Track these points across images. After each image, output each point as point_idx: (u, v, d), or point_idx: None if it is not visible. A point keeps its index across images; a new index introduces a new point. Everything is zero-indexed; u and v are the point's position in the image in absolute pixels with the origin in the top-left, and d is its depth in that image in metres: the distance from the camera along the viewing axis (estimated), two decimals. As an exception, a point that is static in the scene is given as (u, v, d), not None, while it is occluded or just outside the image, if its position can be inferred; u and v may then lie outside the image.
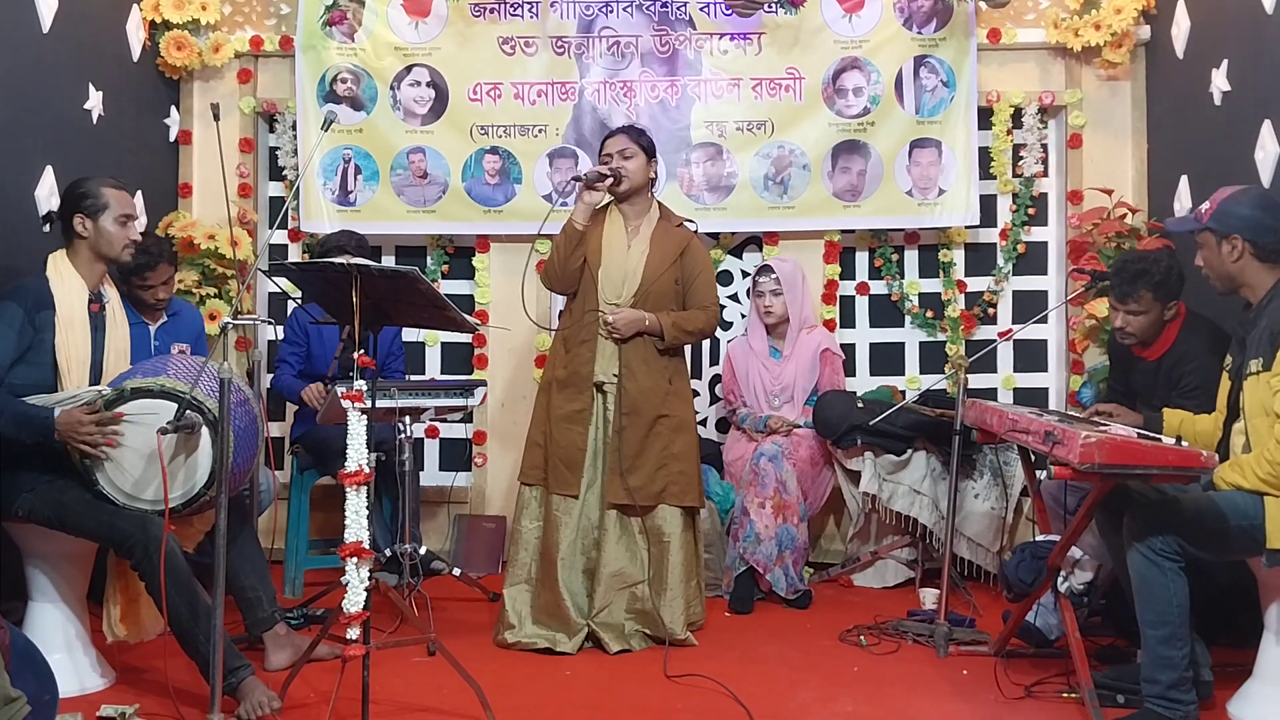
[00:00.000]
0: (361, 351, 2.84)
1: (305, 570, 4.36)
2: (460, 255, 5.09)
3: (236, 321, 2.94)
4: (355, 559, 2.70)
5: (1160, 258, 3.67)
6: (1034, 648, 3.59)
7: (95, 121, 4.26)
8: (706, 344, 5.10)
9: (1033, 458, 3.67)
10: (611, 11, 4.89)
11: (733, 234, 5.05)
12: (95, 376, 3.20)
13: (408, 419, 3.94)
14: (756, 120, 4.90)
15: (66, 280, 3.19)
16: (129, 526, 2.97)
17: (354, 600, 2.71)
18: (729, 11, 4.75)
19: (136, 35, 4.69)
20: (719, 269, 5.02)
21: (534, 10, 4.89)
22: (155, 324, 3.91)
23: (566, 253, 3.80)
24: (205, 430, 2.99)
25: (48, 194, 3.83)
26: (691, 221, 3.99)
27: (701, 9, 4.86)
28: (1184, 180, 4.39)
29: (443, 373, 5.13)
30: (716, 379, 5.04)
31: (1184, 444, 2.86)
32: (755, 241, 5.07)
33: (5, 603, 3.28)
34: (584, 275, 3.82)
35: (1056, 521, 3.65)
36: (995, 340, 4.70)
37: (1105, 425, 3.11)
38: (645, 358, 3.79)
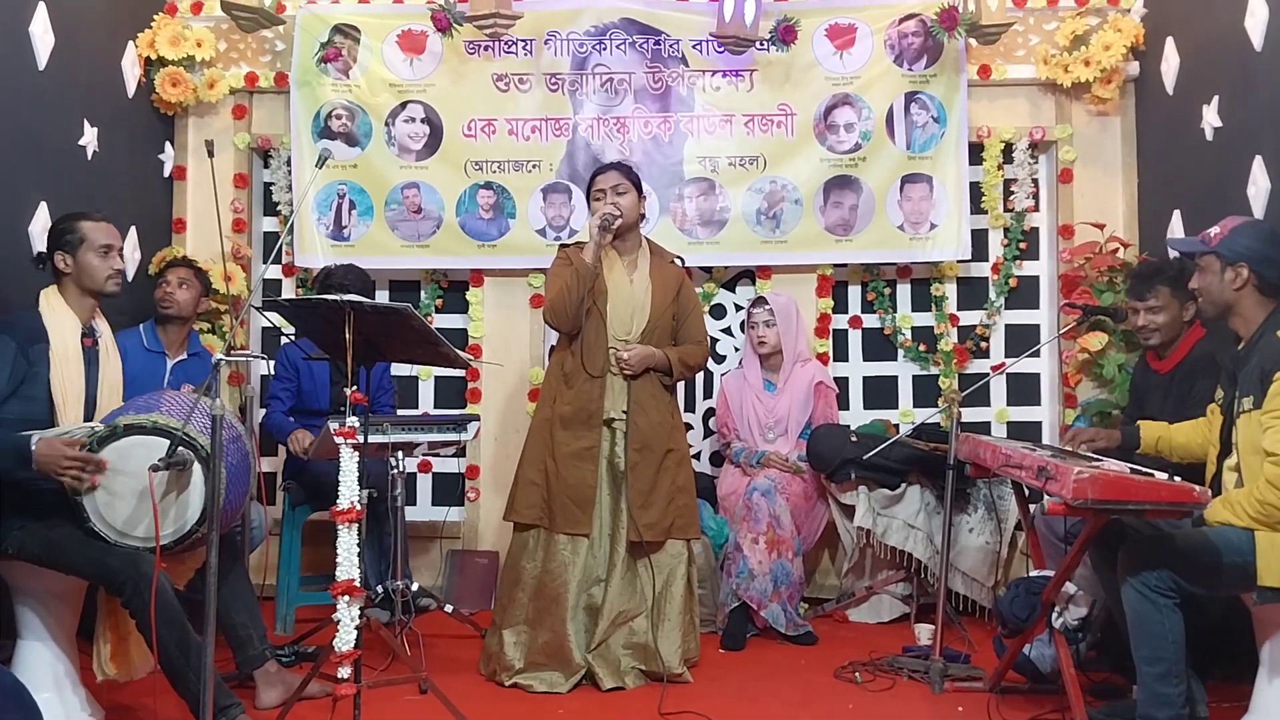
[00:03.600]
0: (354, 388, 2.84)
1: (296, 606, 4.33)
2: (454, 289, 5.10)
3: (230, 358, 2.93)
4: (347, 597, 2.69)
5: (1173, 260, 3.71)
6: (1029, 683, 3.57)
7: (90, 157, 4.27)
8: (700, 377, 5.10)
9: (1026, 492, 3.67)
10: (605, 49, 4.92)
11: (725, 268, 5.07)
12: (89, 411, 3.19)
13: (400, 454, 3.93)
14: (749, 155, 4.93)
15: (59, 315, 3.19)
16: (120, 564, 2.94)
17: (345, 639, 2.69)
18: (721, 49, 4.78)
19: (132, 71, 4.71)
20: (712, 302, 5.04)
21: (528, 48, 4.92)
22: (174, 359, 3.91)
23: (580, 294, 3.75)
24: (197, 467, 2.98)
25: (41, 230, 3.83)
26: (680, 258, 4.00)
27: (694, 46, 4.90)
28: (1176, 214, 4.42)
29: (436, 407, 5.13)
30: (710, 412, 5.04)
31: (1177, 479, 2.86)
32: (748, 275, 5.09)
33: (-7, 641, 3.26)
34: (591, 312, 3.79)
35: (1051, 556, 3.65)
36: (988, 374, 4.71)
37: (1098, 461, 3.11)
38: (653, 393, 3.80)
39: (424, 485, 5.14)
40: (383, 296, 5.08)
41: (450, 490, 5.09)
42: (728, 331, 5.11)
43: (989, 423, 5.01)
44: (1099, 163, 4.92)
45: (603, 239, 3.76)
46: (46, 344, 3.12)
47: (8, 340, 3.07)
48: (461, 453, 4.87)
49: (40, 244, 3.77)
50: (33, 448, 2.89)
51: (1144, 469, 2.93)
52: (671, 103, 4.94)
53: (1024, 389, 5.06)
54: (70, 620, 3.28)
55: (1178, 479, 2.85)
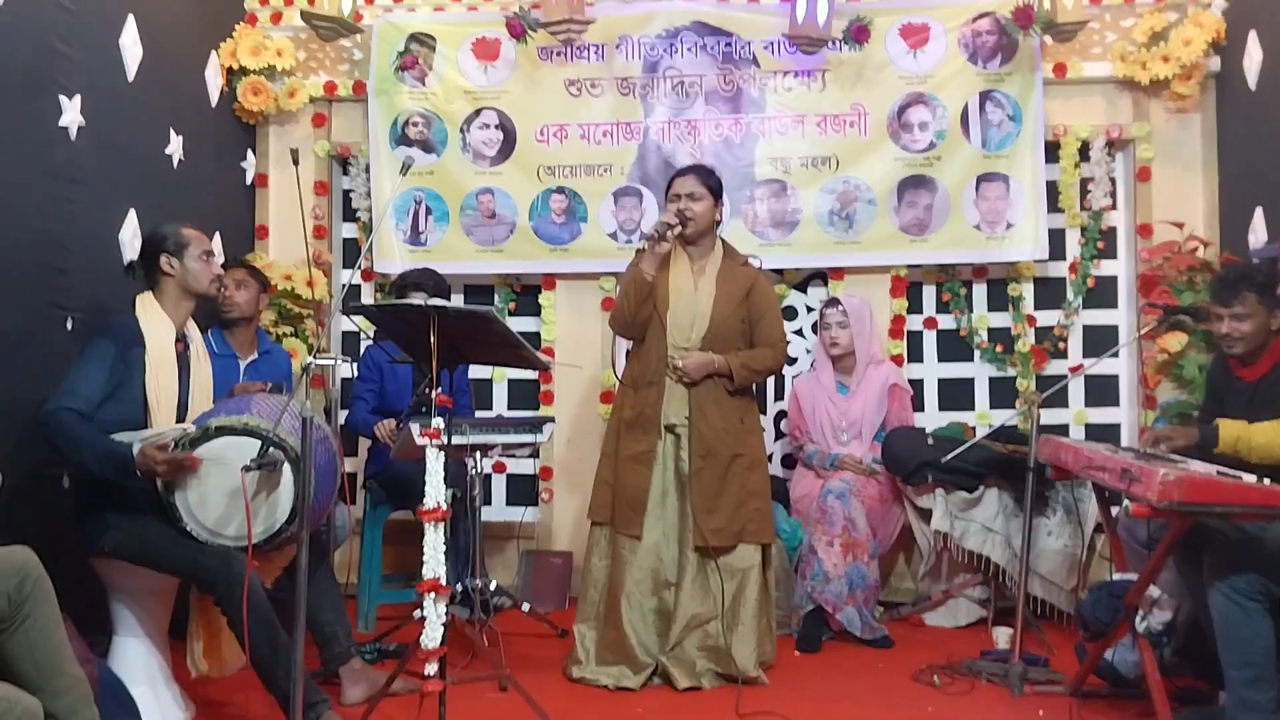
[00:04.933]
0: (440, 390, 2.89)
1: (378, 604, 4.41)
2: (527, 293, 5.16)
3: (317, 361, 2.99)
4: (433, 594, 2.74)
5: (1263, 265, 3.59)
6: (1111, 688, 3.52)
7: (175, 166, 4.38)
8: (771, 380, 5.10)
9: (1107, 494, 3.62)
10: (676, 52, 4.95)
11: (797, 269, 5.06)
12: (181, 414, 3.28)
13: (478, 454, 3.99)
14: (821, 156, 4.92)
15: (155, 319, 3.29)
16: (212, 563, 3.02)
17: (432, 636, 2.74)
18: (793, 49, 4.78)
19: (215, 81, 4.83)
20: (784, 304, 5.03)
21: (600, 52, 4.96)
22: (246, 360, 4.00)
23: (637, 302, 3.78)
24: (287, 467, 3.05)
25: (131, 237, 3.95)
26: (756, 258, 4.00)
27: (765, 47, 4.90)
28: (1259, 212, 4.34)
29: (509, 408, 5.19)
30: (782, 415, 5.04)
31: (1266, 481, 2.81)
32: (820, 276, 5.08)
33: (90, 636, 3.36)
34: (652, 319, 3.82)
35: (1134, 559, 3.60)
36: (1067, 375, 4.66)
37: (1184, 462, 3.07)
38: (717, 399, 3.78)
39: (499, 485, 5.20)
40: (458, 300, 5.16)
41: (525, 491, 5.14)
42: (799, 333, 5.11)
43: (1067, 425, 4.95)
44: (1178, 160, 4.84)
45: (654, 247, 3.76)
46: (143, 348, 3.22)
47: (108, 344, 3.17)
48: (536, 454, 4.92)
49: (130, 252, 3.90)
50: (134, 454, 3.00)
51: (1230, 471, 2.88)
52: (743, 104, 4.95)
53: (1103, 390, 4.99)
54: (163, 617, 3.39)
55: (1267, 481, 2.80)
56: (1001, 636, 4.09)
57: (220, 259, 4.53)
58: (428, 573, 2.74)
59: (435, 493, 2.76)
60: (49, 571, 2.51)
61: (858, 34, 4.76)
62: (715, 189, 3.88)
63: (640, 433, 3.80)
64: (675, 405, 3.78)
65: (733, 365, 3.78)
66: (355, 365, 4.47)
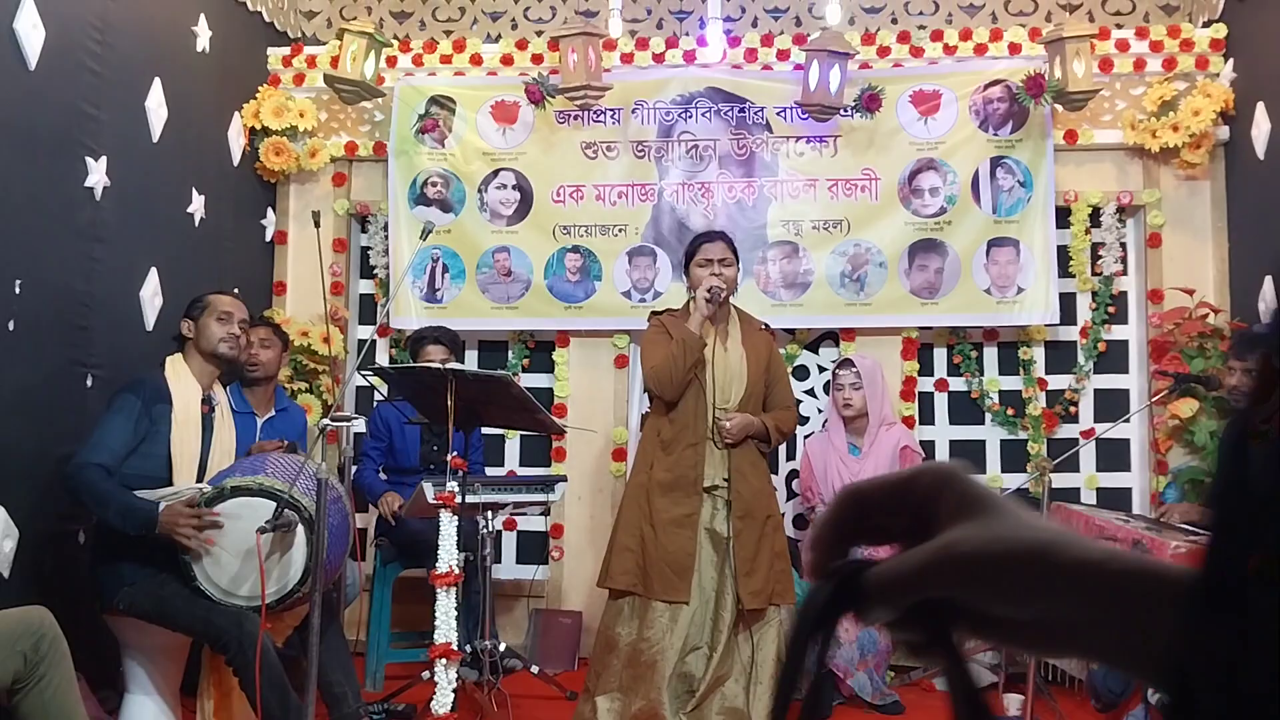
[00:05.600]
0: (454, 453, 2.91)
1: (386, 663, 4.40)
2: (540, 349, 5.20)
3: (334, 424, 3.02)
4: (444, 660, 2.75)
5: None
6: (1124, 759, 3.50)
7: (197, 224, 4.46)
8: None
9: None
10: (690, 117, 5.02)
11: (809, 330, 5.10)
12: (201, 474, 3.32)
13: (489, 513, 4.00)
14: (832, 219, 4.97)
15: (182, 380, 3.35)
16: (225, 622, 3.04)
17: (442, 701, 2.76)
18: (805, 116, 4.85)
19: (237, 141, 4.92)
20: (795, 364, 5.06)
21: (616, 117, 5.04)
22: (263, 418, 4.04)
23: (686, 365, 3.75)
24: (300, 528, 3.07)
25: (151, 295, 4.01)
26: (766, 324, 4.04)
27: (778, 113, 4.97)
28: (1268, 281, 4.36)
29: (521, 464, 5.20)
30: (793, 475, 5.05)
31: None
32: (832, 337, 5.11)
33: (102, 693, 3.37)
34: (692, 381, 3.82)
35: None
36: (1078, 440, 4.66)
37: (1196, 534, 3.07)
38: (753, 461, 3.81)
39: (509, 543, 5.20)
40: (472, 357, 5.20)
41: (535, 549, 5.15)
42: (811, 393, 5.13)
43: (1079, 489, 4.94)
44: (1188, 228, 4.88)
45: (710, 311, 3.78)
46: (169, 405, 3.27)
47: (134, 399, 3.22)
48: (547, 511, 4.93)
49: (151, 310, 3.96)
50: (159, 514, 3.03)
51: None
52: (755, 168, 5.01)
53: (1114, 455, 4.99)
54: (175, 675, 3.40)
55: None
56: (1013, 703, 4.06)
57: (244, 320, 4.61)
58: (439, 637, 2.76)
59: (449, 557, 2.78)
60: (63, 627, 2.54)
61: (869, 102, 4.83)
62: (738, 255, 3.95)
63: (681, 495, 3.76)
64: (715, 466, 3.78)
65: (769, 425, 3.81)
66: (365, 422, 4.50)
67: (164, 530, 3.05)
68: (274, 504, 3.01)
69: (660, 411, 3.89)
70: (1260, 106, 4.50)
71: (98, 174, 3.69)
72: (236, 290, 3.55)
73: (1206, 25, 4.88)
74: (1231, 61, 4.77)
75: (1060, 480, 4.81)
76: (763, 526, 3.76)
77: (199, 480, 3.28)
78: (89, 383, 3.62)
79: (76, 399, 3.56)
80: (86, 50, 3.68)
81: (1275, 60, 4.39)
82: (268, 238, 5.17)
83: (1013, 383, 5.00)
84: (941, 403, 5.07)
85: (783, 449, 5.13)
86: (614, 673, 3.73)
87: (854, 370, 4.63)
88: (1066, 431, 4.93)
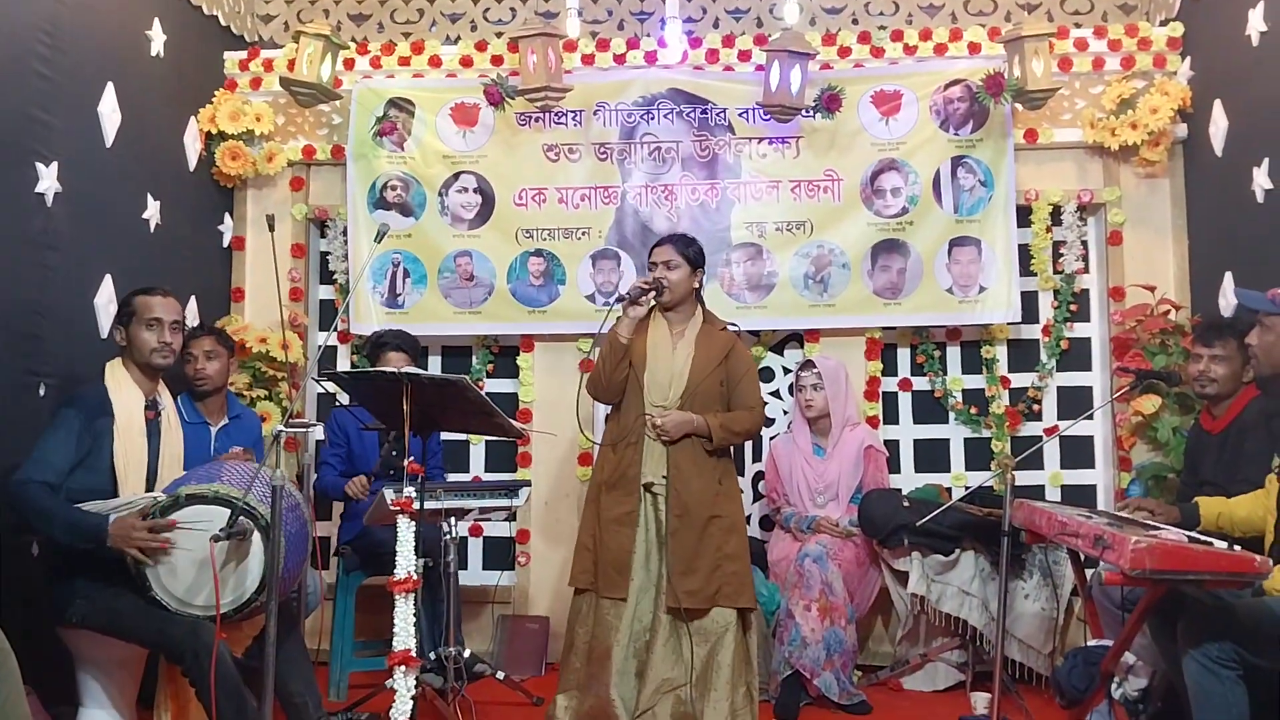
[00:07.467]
0: (411, 458, 2.88)
1: (350, 672, 4.35)
2: (505, 354, 5.17)
3: (290, 430, 2.98)
4: (403, 667, 2.71)
5: (1246, 317, 3.67)
6: (1089, 755, 3.50)
7: (152, 230, 4.39)
8: (749, 442, 5.10)
9: (1083, 558, 3.63)
10: (652, 118, 5.00)
11: (773, 331, 5.09)
12: (150, 482, 3.26)
13: (453, 519, 3.96)
14: (795, 221, 4.97)
15: (123, 388, 3.28)
16: (180, 633, 2.98)
17: (401, 709, 2.72)
18: (767, 117, 4.84)
19: (193, 146, 4.86)
20: (760, 366, 5.05)
21: (577, 119, 5.02)
22: (216, 426, 3.97)
23: (613, 365, 3.84)
24: (256, 536, 3.02)
25: (106, 302, 3.95)
26: (734, 325, 4.03)
27: (740, 114, 4.96)
28: (1228, 277, 4.39)
29: (486, 470, 5.17)
30: (759, 476, 5.04)
31: (1237, 548, 2.82)
32: (796, 339, 5.11)
33: (55, 708, 3.30)
34: (629, 380, 3.85)
35: (1109, 624, 3.59)
36: (1041, 437, 4.67)
37: (1157, 529, 3.08)
38: (695, 459, 3.79)
39: (475, 549, 5.16)
40: (435, 362, 5.16)
41: (501, 554, 5.11)
42: (776, 395, 5.12)
43: (1043, 486, 4.96)
44: (1148, 225, 4.91)
45: (628, 310, 3.84)
46: (111, 417, 3.20)
47: (73, 414, 3.17)
48: (513, 517, 4.88)
49: (106, 317, 3.89)
50: (109, 528, 2.97)
51: (1203, 537, 2.89)
52: (718, 170, 5.00)
53: (1078, 452, 5.01)
54: (131, 688, 3.34)
55: (1238, 548, 2.81)
56: (980, 701, 4.07)
57: (189, 324, 4.54)
58: (398, 645, 2.72)
59: (406, 563, 2.75)
60: (15, 642, 2.48)
61: (829, 103, 4.82)
62: (693, 258, 3.92)
63: (622, 494, 3.79)
64: (653, 464, 3.78)
65: (712, 425, 3.78)
66: (323, 428, 4.44)
67: (115, 544, 3.00)
68: (229, 511, 2.96)
69: (613, 413, 3.95)
70: (1217, 104, 4.53)
71: (49, 180, 3.62)
72: (167, 288, 3.45)
73: (1163, 24, 4.91)
74: (1189, 59, 4.81)
75: (1025, 478, 4.84)
76: (705, 527, 3.73)
77: (149, 488, 3.23)
78: (42, 392, 3.55)
79: (29, 408, 3.49)
80: (36, 55, 3.61)
81: (1231, 58, 4.43)
82: (225, 243, 5.10)
83: (976, 381, 5.02)
84: (905, 402, 5.07)
85: (749, 450, 5.12)
86: (574, 670, 3.78)
87: (815, 371, 4.63)
88: (1030, 429, 4.95)
